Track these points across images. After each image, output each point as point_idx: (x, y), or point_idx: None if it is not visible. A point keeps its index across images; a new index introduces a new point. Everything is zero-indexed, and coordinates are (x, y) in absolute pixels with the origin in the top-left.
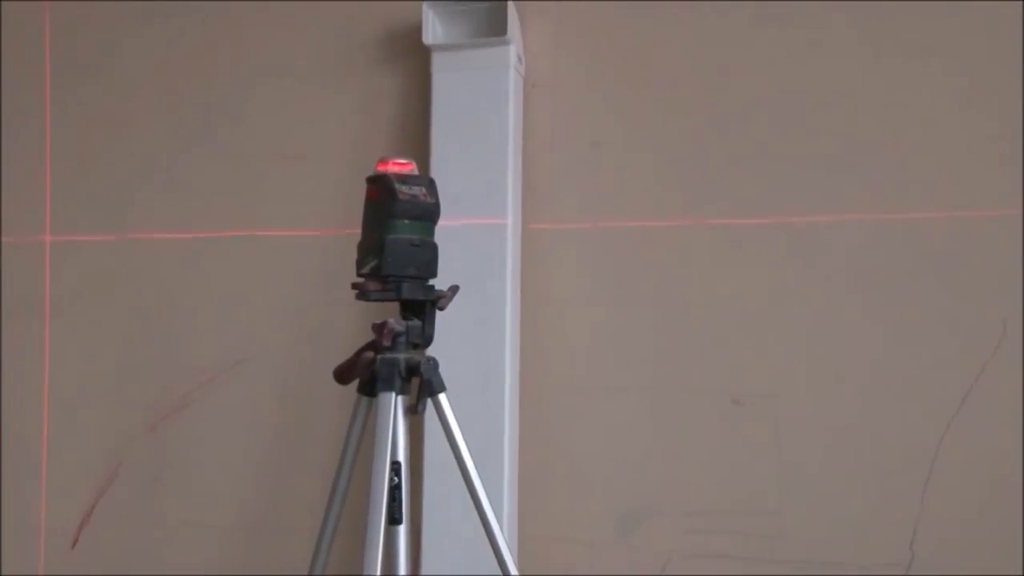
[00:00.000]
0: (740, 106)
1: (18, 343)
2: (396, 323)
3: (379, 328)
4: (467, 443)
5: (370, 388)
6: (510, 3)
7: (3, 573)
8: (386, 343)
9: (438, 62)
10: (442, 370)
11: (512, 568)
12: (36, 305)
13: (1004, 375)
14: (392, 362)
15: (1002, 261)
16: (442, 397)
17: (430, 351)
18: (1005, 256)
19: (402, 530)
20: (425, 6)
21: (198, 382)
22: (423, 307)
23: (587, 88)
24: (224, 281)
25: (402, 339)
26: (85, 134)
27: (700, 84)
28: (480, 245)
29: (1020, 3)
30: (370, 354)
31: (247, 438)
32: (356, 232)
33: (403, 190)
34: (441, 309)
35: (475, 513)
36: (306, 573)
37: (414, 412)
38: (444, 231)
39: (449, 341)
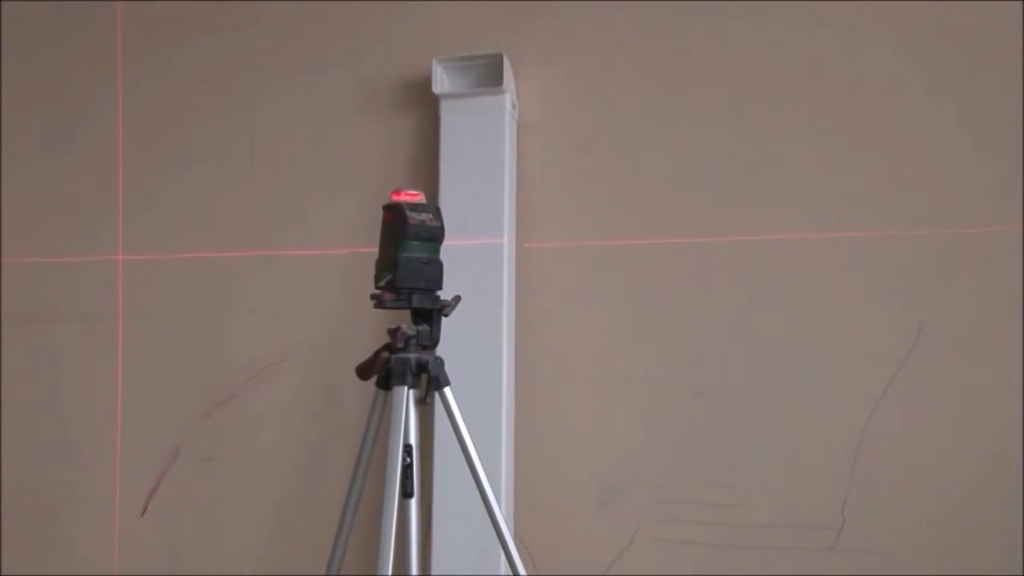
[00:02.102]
0: (703, 142)
1: (96, 346)
2: (408, 328)
3: (393, 332)
4: (469, 430)
5: (386, 383)
6: (505, 59)
7: (84, 536)
8: (399, 345)
9: (445, 108)
10: (447, 367)
11: (507, 534)
12: (111, 314)
13: (919, 368)
14: (405, 361)
15: (918, 273)
16: (447, 390)
17: (437, 351)
18: (923, 269)
19: (413, 503)
20: (434, 62)
21: (244, 378)
22: (431, 314)
23: (571, 129)
24: (266, 293)
25: (413, 341)
26: (150, 169)
27: (668, 124)
28: (480, 261)
29: (1021, 23)
30: (386, 354)
31: (284, 425)
32: (374, 251)
33: (413, 216)
34: (446, 316)
35: (476, 488)
36: (333, 539)
37: (423, 403)
38: (449, 249)
39: (454, 343)
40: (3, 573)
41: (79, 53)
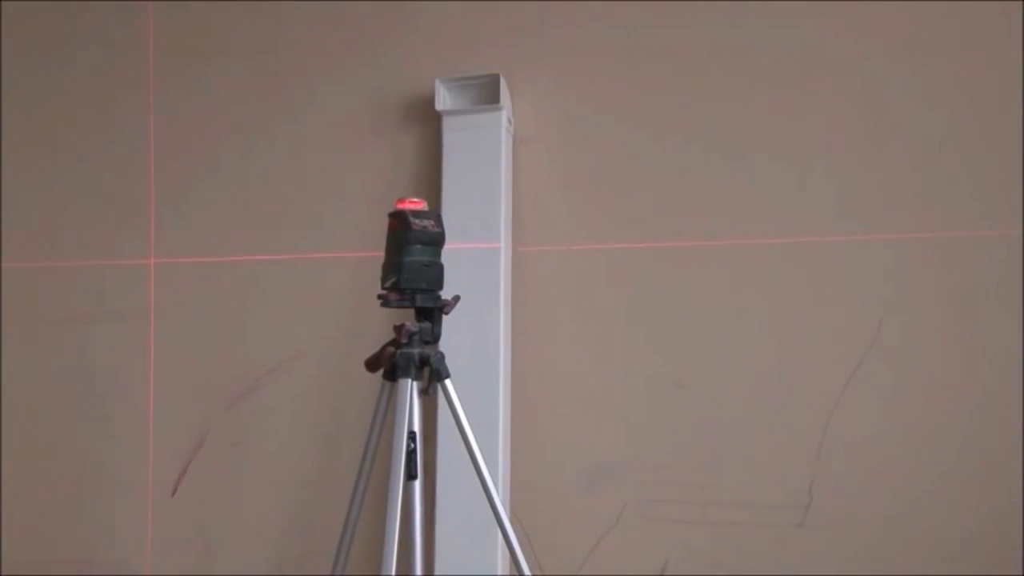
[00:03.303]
0: (682, 156)
1: (130, 343)
2: (412, 325)
3: (398, 329)
4: (468, 417)
5: (392, 375)
6: (502, 79)
7: (121, 515)
8: (404, 340)
9: (447, 124)
10: (448, 361)
11: (503, 513)
12: (143, 313)
13: (879, 361)
14: (409, 355)
15: (875, 277)
16: (448, 382)
17: (438, 346)
18: (878, 273)
19: (417, 484)
20: (437, 82)
21: (264, 371)
22: (432, 312)
23: (561, 143)
24: (283, 293)
25: (416, 337)
26: (179, 180)
27: (650, 140)
28: (478, 264)
29: (1021, 36)
30: (392, 349)
31: (300, 413)
32: (381, 255)
33: (416, 223)
34: (446, 314)
35: (475, 471)
36: (344, 516)
37: (425, 394)
38: (450, 253)
39: (454, 338)
40: (51, 549)
41: (113, 77)
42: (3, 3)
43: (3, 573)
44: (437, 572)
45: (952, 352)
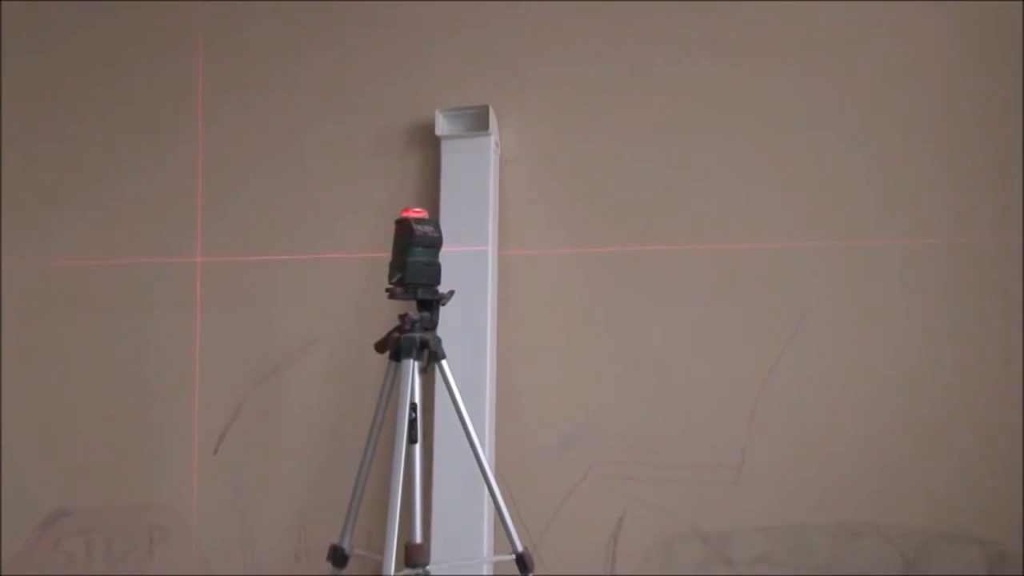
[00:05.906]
0: (639, 173)
1: (179, 329)
2: (413, 314)
3: (402, 317)
4: (461, 392)
5: (397, 356)
6: (491, 109)
7: (171, 470)
8: (407, 327)
9: (445, 147)
10: (444, 344)
11: (489, 471)
12: (191, 303)
13: (802, 345)
14: (411, 339)
15: (798, 278)
16: (444, 362)
17: (436, 332)
18: (800, 275)
19: (418, 447)
20: (437, 111)
21: (291, 351)
22: (431, 304)
23: (540, 163)
24: (307, 287)
25: (417, 324)
26: (222, 193)
27: (615, 160)
28: (470, 264)
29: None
30: (397, 334)
31: (320, 387)
32: (388, 255)
33: (418, 228)
34: (443, 305)
35: (465, 436)
36: (355, 474)
37: (425, 372)
38: (446, 254)
39: (449, 325)
40: (113, 496)
41: (168, 109)
42: (78, 54)
43: (74, 514)
44: (433, 522)
45: (860, 340)
